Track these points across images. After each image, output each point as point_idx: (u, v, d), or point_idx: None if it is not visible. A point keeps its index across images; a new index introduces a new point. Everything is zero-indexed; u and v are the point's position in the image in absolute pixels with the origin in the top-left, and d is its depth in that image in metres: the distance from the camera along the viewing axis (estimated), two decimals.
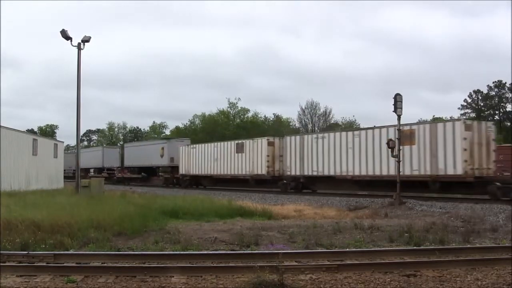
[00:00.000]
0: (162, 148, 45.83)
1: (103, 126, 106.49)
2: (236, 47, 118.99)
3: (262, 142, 32.89)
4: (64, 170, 64.97)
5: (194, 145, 41.34)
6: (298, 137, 30.54)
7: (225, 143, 37.21)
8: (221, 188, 37.26)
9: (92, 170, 62.51)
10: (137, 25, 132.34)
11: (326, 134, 28.96)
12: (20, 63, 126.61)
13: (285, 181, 30.69)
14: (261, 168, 32.47)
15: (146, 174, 50.30)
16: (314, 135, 30.25)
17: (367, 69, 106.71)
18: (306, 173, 29.35)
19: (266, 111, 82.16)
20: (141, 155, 49.74)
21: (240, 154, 34.50)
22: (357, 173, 26.32)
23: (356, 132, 27.30)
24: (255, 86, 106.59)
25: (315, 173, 28.73)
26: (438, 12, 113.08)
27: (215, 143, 38.22)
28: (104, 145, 71.44)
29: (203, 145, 40.15)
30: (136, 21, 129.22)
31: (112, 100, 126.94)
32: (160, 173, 48.48)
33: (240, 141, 35.98)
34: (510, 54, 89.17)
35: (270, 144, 32.42)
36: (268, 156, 32.01)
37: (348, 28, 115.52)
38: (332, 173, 27.63)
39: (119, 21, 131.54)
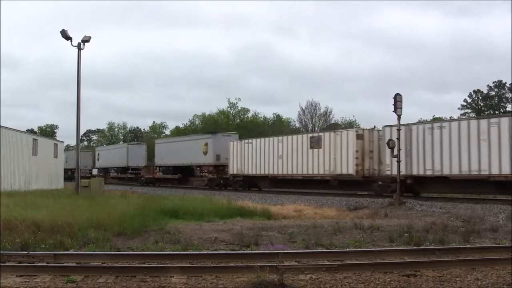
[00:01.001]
0: (206, 144, 39.47)
1: (100, 126, 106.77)
2: (230, 47, 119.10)
3: (348, 135, 27.12)
4: (80, 170, 64.02)
5: (250, 140, 34.94)
6: (403, 128, 24.36)
7: (295, 136, 31.22)
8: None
9: (112, 170, 58.73)
10: (130, 26, 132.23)
11: (445, 124, 23.34)
12: (16, 63, 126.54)
13: (380, 183, 25.56)
14: (346, 167, 26.71)
15: (180, 175, 43.66)
16: (428, 125, 24.06)
17: (363, 69, 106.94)
18: (415, 173, 23.53)
19: (262, 111, 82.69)
20: (177, 152, 42.99)
21: (315, 150, 28.51)
22: (495, 171, 20.45)
23: (493, 120, 21.41)
24: (251, 86, 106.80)
25: (428, 173, 22.99)
26: (432, 12, 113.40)
27: (280, 137, 32.14)
28: (129, 142, 64.54)
29: (262, 139, 33.79)
30: (129, 21, 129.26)
31: (108, 100, 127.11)
32: (202, 173, 41.93)
33: (316, 134, 30.55)
34: (505, 53, 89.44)
35: (359, 137, 26.72)
36: (357, 151, 26.37)
37: (342, 28, 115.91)
38: (455, 171, 21.78)
39: (113, 21, 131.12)
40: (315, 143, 28.80)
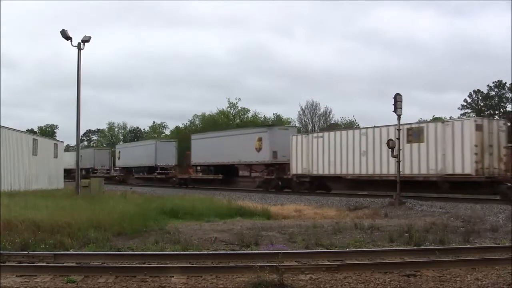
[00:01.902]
0: (259, 139, 33.41)
1: (99, 126, 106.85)
2: (228, 47, 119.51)
3: (464, 126, 22.10)
4: (96, 170, 58.89)
5: (320, 134, 29.32)
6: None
7: (384, 129, 25.15)
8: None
9: (134, 170, 52.94)
10: (129, 26, 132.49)
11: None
12: (14, 63, 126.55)
13: (510, 184, 21.13)
14: (461, 165, 21.78)
15: (222, 175, 38.07)
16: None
17: (360, 69, 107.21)
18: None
19: (261, 111, 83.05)
20: (220, 149, 37.18)
21: (415, 145, 23.59)
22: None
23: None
24: (249, 86, 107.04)
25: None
26: (427, 12, 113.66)
27: (363, 130, 26.87)
28: (157, 139, 58.70)
29: (338, 133, 28.25)
30: (128, 21, 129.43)
31: (107, 100, 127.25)
32: (252, 173, 36.19)
33: (415, 125, 24.54)
34: (502, 53, 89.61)
35: (478, 128, 21.69)
36: (476, 146, 21.43)
37: (339, 29, 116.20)
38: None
39: (111, 21, 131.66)
40: (415, 136, 23.70)
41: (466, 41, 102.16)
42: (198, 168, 42.02)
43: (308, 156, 28.74)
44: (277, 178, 31.97)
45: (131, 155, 52.46)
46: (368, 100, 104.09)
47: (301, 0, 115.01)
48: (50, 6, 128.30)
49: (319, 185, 29.21)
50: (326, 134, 28.66)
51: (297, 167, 29.60)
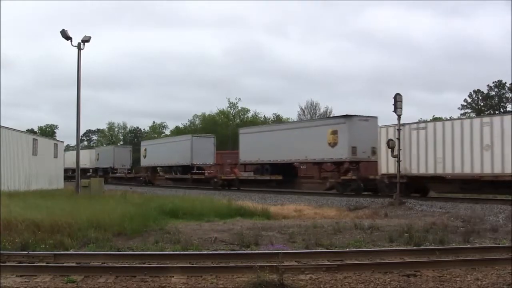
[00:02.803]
0: (334, 132, 27.67)
1: (96, 126, 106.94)
2: (223, 47, 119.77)
3: None
4: (116, 170, 53.85)
5: (422, 125, 24.03)
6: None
7: None
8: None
9: (164, 169, 47.31)
10: (125, 26, 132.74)
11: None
12: (10, 63, 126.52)
13: None
14: None
15: (279, 175, 31.80)
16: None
17: (356, 69, 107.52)
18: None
19: (261, 111, 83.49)
20: (278, 145, 31.17)
21: None
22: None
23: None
24: (246, 86, 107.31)
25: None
26: (422, 12, 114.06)
27: (486, 118, 21.98)
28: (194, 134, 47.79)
29: (448, 122, 23.29)
30: (125, 21, 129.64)
31: (104, 100, 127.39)
32: (322, 172, 30.02)
33: None
34: (497, 52, 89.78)
35: None
36: None
37: (333, 29, 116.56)
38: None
39: (108, 22, 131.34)
40: None
41: (461, 40, 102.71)
42: (249, 167, 35.12)
43: (405, 152, 23.24)
44: (358, 179, 26.58)
45: (161, 152, 45.29)
46: (366, 100, 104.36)
47: (295, 0, 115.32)
48: (45, 6, 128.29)
49: (416, 187, 24.22)
50: (430, 124, 23.66)
51: (387, 166, 23.97)
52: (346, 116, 27.74)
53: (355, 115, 27.69)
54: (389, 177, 23.92)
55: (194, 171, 40.56)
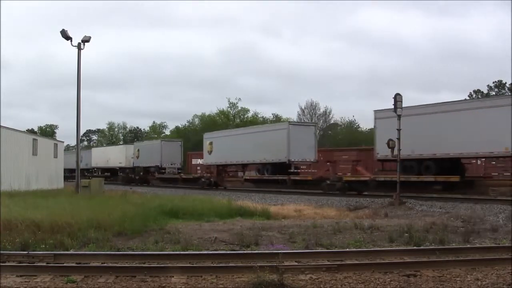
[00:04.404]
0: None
1: (94, 126, 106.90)
2: (218, 48, 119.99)
3: None
4: (164, 170, 43.38)
5: None
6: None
7: None
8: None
9: (239, 168, 36.53)
10: (118, 27, 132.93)
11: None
12: (5, 63, 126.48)
13: None
14: None
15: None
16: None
17: (351, 68, 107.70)
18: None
19: (260, 111, 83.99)
20: (445, 133, 22.20)
21: None
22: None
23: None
24: (242, 86, 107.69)
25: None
26: (414, 12, 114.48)
27: None
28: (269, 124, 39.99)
29: None
30: (118, 22, 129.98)
31: (102, 100, 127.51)
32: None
33: None
34: (491, 52, 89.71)
35: None
36: None
37: (326, 29, 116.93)
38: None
39: (101, 22, 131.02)
40: None
41: (454, 40, 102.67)
42: (387, 165, 25.52)
43: None
44: None
45: (236, 146, 34.68)
46: (362, 100, 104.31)
47: (288, 0, 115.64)
48: (40, 6, 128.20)
49: None
50: None
51: None
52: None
53: None
54: None
55: (291, 170, 30.86)
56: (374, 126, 26.32)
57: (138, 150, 48.10)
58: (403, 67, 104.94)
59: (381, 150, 24.45)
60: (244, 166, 35.88)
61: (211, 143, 38.20)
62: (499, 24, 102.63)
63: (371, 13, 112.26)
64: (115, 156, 52.87)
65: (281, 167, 31.02)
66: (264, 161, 32.31)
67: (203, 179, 38.15)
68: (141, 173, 46.66)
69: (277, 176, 31.12)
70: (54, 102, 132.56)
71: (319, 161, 31.74)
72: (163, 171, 44.05)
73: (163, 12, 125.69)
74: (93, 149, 61.48)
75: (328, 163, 31.02)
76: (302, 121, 62.59)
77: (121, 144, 64.13)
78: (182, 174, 42.24)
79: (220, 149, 36.74)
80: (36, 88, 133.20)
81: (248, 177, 34.57)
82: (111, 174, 53.96)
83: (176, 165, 43.88)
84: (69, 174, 46.95)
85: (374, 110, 26.15)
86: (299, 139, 30.40)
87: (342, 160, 31.80)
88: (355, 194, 26.48)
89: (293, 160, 30.32)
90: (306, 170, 33.19)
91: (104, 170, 56.09)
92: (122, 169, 51.57)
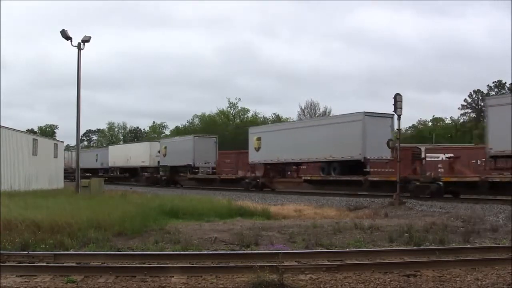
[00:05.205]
0: None
1: (93, 126, 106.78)
2: (217, 48, 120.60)
3: None
4: (197, 169, 38.41)
5: None
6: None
7: None
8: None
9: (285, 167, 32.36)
10: (116, 27, 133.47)
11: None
12: (7, 63, 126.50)
13: None
14: None
15: None
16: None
17: (349, 68, 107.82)
18: None
19: (260, 111, 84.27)
20: None
21: None
22: None
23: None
24: (240, 86, 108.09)
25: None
26: (410, 12, 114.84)
27: None
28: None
29: None
30: (115, 22, 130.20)
31: (101, 100, 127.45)
32: None
33: None
34: (487, 52, 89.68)
35: None
36: None
37: (323, 29, 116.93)
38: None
39: (98, 22, 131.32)
40: None
41: (452, 41, 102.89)
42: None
43: None
44: None
45: (294, 141, 29.59)
46: (362, 100, 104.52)
47: (285, 0, 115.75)
48: (41, 7, 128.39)
49: None
50: None
51: None
52: None
53: None
54: None
55: (367, 170, 27.02)
56: (486, 115, 23.67)
57: (165, 147, 42.66)
58: (402, 67, 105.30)
59: (496, 144, 20.73)
60: (298, 165, 31.71)
61: (259, 139, 33.27)
62: (497, 24, 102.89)
63: (370, 13, 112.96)
64: (137, 154, 47.22)
65: (353, 166, 26.47)
66: (330, 158, 27.12)
67: (247, 180, 33.72)
68: (168, 173, 41.60)
69: (350, 177, 26.43)
70: (54, 102, 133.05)
71: (401, 158, 25.32)
72: (196, 170, 39.14)
73: (163, 12, 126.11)
74: (110, 147, 56.93)
75: (414, 161, 26.88)
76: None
77: (144, 141, 57.09)
78: (220, 175, 37.17)
79: (271, 145, 31.88)
80: (36, 88, 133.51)
81: (309, 178, 29.32)
82: (130, 174, 49.70)
83: (211, 164, 38.84)
84: (82, 174, 44.89)
85: (486, 97, 21.77)
86: (375, 132, 25.76)
87: (433, 159, 27.89)
88: (355, 194, 26.25)
89: (369, 157, 25.93)
90: (380, 170, 28.24)
91: (123, 170, 52.07)
92: (144, 168, 46.57)
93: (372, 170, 27.73)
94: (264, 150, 32.56)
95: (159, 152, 43.56)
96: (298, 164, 31.42)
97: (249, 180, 33.67)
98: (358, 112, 26.86)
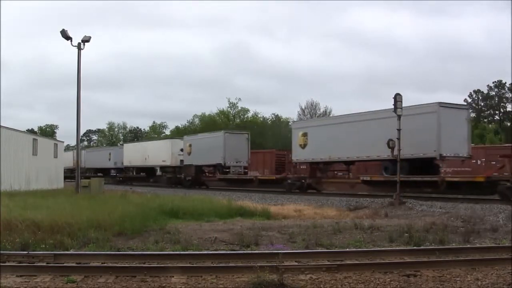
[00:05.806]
0: None
1: (92, 126, 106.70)
2: (215, 48, 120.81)
3: None
4: (228, 169, 34.88)
5: None
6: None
7: None
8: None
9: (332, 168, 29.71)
10: (114, 27, 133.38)
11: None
12: (7, 63, 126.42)
13: None
14: None
15: None
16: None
17: (348, 68, 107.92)
18: None
19: (260, 111, 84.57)
20: None
21: None
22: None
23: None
24: (239, 86, 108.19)
25: None
26: (407, 12, 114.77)
27: None
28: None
29: None
30: (113, 23, 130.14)
31: (100, 100, 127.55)
32: None
33: None
34: (484, 52, 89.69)
35: None
36: None
37: (321, 29, 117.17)
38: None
39: (96, 22, 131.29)
40: None
41: (451, 41, 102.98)
42: None
43: None
44: None
45: (349, 137, 26.21)
46: (362, 100, 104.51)
47: (282, 0, 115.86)
48: (41, 7, 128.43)
49: None
50: None
51: None
52: None
53: None
54: None
55: (443, 169, 24.39)
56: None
57: (190, 145, 38.73)
58: (402, 67, 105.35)
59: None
60: (349, 164, 28.35)
61: (304, 134, 29.19)
62: (496, 23, 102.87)
63: (369, 13, 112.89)
64: (156, 152, 43.46)
65: (424, 165, 23.43)
66: (404, 155, 22.69)
67: (289, 181, 30.08)
68: (193, 174, 37.90)
69: (422, 177, 23.03)
70: (54, 102, 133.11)
71: (485, 156, 24.32)
72: (227, 170, 35.37)
73: (163, 12, 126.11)
74: (126, 145, 52.53)
75: (504, 159, 22.66)
76: (290, 122, 55.54)
77: (166, 138, 53.50)
78: (258, 175, 33.69)
79: (320, 141, 28.06)
80: (35, 88, 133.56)
81: (368, 179, 25.63)
82: (147, 174, 46.68)
83: (243, 163, 35.03)
84: (94, 174, 43.52)
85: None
86: (451, 126, 22.49)
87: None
88: (355, 194, 26.28)
89: (444, 154, 22.55)
90: (454, 169, 25.55)
91: (139, 169, 48.40)
92: (164, 168, 43.44)
93: (446, 169, 25.05)
94: (311, 147, 28.65)
95: (181, 150, 40.11)
96: (351, 163, 27.99)
97: (292, 180, 29.95)
98: (432, 102, 23.56)
